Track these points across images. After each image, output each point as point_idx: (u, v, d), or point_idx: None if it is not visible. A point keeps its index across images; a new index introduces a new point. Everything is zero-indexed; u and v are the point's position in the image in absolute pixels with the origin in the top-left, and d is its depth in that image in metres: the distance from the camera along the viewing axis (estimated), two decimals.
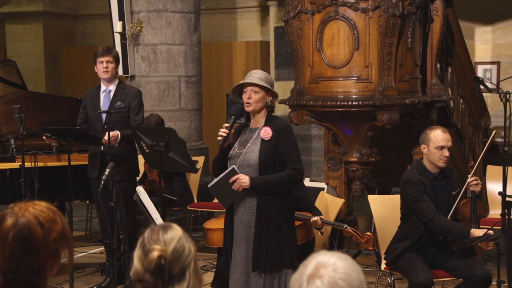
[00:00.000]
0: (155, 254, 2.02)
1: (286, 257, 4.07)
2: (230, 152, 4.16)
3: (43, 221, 1.98)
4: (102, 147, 5.52)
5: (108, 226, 4.92)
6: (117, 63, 5.66)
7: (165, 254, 2.02)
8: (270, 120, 4.15)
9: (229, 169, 4.03)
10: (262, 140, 4.07)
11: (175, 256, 2.03)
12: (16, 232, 1.95)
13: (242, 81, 4.12)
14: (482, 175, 6.96)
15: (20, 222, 1.96)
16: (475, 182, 4.51)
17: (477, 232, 4.29)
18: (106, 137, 5.24)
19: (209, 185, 4.14)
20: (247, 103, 4.05)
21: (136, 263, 2.06)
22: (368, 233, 4.61)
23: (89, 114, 5.66)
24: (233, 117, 4.09)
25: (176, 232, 2.07)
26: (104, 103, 5.63)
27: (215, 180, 4.10)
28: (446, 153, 4.47)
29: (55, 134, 5.50)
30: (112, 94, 5.62)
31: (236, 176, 4.00)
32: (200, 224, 7.48)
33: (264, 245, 4.04)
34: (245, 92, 4.08)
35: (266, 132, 4.06)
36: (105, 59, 5.55)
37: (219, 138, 4.07)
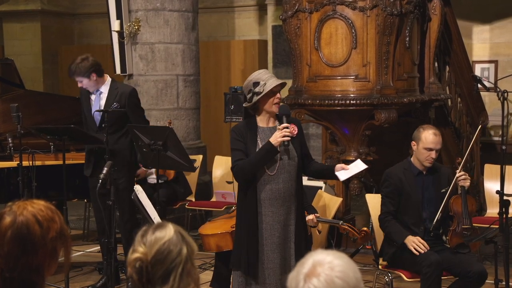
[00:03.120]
0: (132, 256, 2.01)
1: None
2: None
3: (41, 219, 1.98)
4: (96, 147, 5.51)
5: (106, 225, 4.90)
6: (88, 75, 5.38)
7: (145, 257, 1.99)
8: (281, 118, 4.17)
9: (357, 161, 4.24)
10: (291, 137, 4.07)
11: (158, 259, 1.99)
12: (14, 231, 1.95)
13: (276, 82, 4.02)
14: (480, 174, 6.98)
15: (18, 220, 1.96)
16: (463, 177, 4.57)
17: (409, 239, 4.47)
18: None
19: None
20: (278, 103, 4.05)
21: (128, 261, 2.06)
22: (365, 229, 4.62)
23: (86, 114, 5.62)
24: (284, 116, 4.03)
25: (165, 233, 2.03)
26: (94, 104, 5.53)
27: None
28: (433, 154, 4.58)
29: (50, 133, 5.48)
30: (103, 95, 5.51)
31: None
32: (198, 223, 7.49)
33: (304, 241, 4.11)
34: (274, 92, 4.03)
35: (294, 129, 4.09)
36: (76, 79, 5.43)
37: (287, 138, 3.95)
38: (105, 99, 5.51)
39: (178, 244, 2.02)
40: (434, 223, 4.59)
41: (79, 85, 5.48)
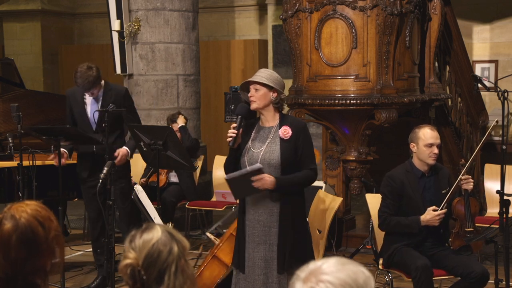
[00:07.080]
0: (123, 263, 1.99)
1: (308, 257, 4.02)
2: (245, 151, 4.09)
3: (42, 220, 1.96)
4: (94, 147, 5.50)
5: (106, 225, 4.90)
6: (99, 82, 5.42)
7: (136, 261, 1.98)
8: (286, 119, 4.15)
9: (256, 167, 3.93)
10: (282, 139, 4.04)
11: (150, 261, 1.97)
12: (19, 235, 1.92)
13: (248, 80, 4.14)
14: (480, 174, 6.97)
15: (20, 224, 1.93)
16: (466, 180, 4.54)
17: (427, 217, 4.44)
18: (118, 159, 5.34)
19: (226, 177, 4.01)
20: (251, 100, 4.08)
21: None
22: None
23: (76, 116, 5.59)
24: (239, 116, 4.03)
25: (152, 235, 2.01)
26: (92, 106, 5.52)
27: (237, 173, 3.97)
28: (435, 150, 4.53)
29: (46, 134, 5.46)
30: (99, 97, 5.50)
31: (261, 176, 3.93)
32: (197, 223, 7.49)
33: (289, 246, 4.02)
34: (249, 90, 4.11)
35: (286, 132, 4.04)
36: (91, 93, 5.44)
37: (229, 139, 3.99)
38: (101, 100, 5.49)
39: (168, 243, 2.00)
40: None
41: (91, 96, 5.47)
